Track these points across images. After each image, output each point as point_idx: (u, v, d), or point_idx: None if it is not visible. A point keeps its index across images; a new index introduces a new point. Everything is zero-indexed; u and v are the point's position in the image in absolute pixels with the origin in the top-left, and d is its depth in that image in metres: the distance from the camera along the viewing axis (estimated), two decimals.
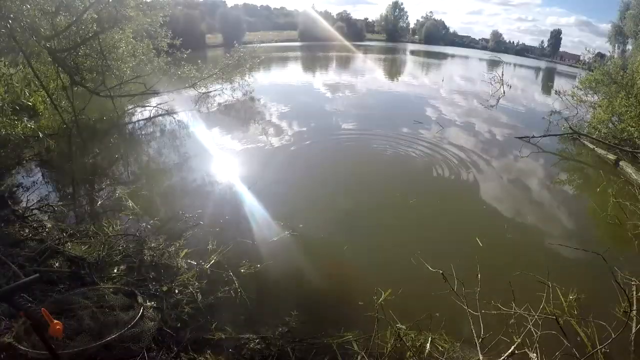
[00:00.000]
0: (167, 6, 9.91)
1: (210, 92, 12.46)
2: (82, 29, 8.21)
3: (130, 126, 9.49)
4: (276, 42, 43.36)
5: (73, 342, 2.52)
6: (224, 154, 7.58)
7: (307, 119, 10.52)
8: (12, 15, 6.19)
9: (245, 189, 5.83)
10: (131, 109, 10.46)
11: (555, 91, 13.58)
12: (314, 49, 39.36)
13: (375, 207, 5.67)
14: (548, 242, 4.82)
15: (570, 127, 10.43)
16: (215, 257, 3.97)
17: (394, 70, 28.62)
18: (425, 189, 6.38)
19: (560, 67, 48.62)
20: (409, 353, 2.89)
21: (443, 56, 47.37)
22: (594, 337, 3.21)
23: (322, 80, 19.52)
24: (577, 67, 19.69)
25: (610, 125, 9.98)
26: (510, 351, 2.70)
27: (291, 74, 21.49)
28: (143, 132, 9.09)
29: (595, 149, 9.46)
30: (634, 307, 3.48)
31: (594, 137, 9.87)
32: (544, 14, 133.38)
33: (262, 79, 15.69)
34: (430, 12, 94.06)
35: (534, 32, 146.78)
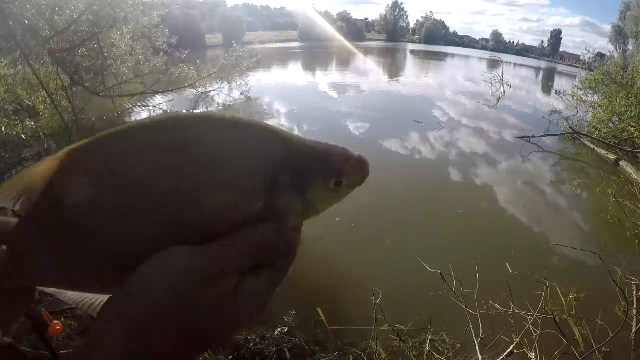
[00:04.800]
0: (162, 5, 9.84)
1: (210, 91, 12.45)
2: (80, 29, 8.21)
3: None
4: (276, 42, 43.36)
5: (73, 342, 2.52)
6: None
7: (309, 118, 10.53)
8: (12, 16, 6.19)
9: None
10: (130, 108, 10.46)
11: (556, 91, 13.58)
12: (314, 49, 39.34)
13: (376, 207, 5.67)
14: (548, 242, 4.82)
15: (570, 127, 10.43)
16: None
17: (394, 70, 28.62)
18: (424, 188, 6.38)
19: (561, 67, 48.61)
20: (408, 353, 2.89)
21: (443, 56, 47.37)
22: (594, 336, 3.21)
23: (322, 80, 19.52)
24: (577, 67, 19.69)
25: (611, 125, 9.98)
26: (509, 350, 2.70)
27: (291, 74, 21.49)
28: None
29: (596, 148, 9.45)
30: (634, 307, 3.48)
31: (594, 137, 9.87)
32: (549, 15, 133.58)
33: (263, 79, 15.69)
34: (431, 12, 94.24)
35: (537, 32, 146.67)
